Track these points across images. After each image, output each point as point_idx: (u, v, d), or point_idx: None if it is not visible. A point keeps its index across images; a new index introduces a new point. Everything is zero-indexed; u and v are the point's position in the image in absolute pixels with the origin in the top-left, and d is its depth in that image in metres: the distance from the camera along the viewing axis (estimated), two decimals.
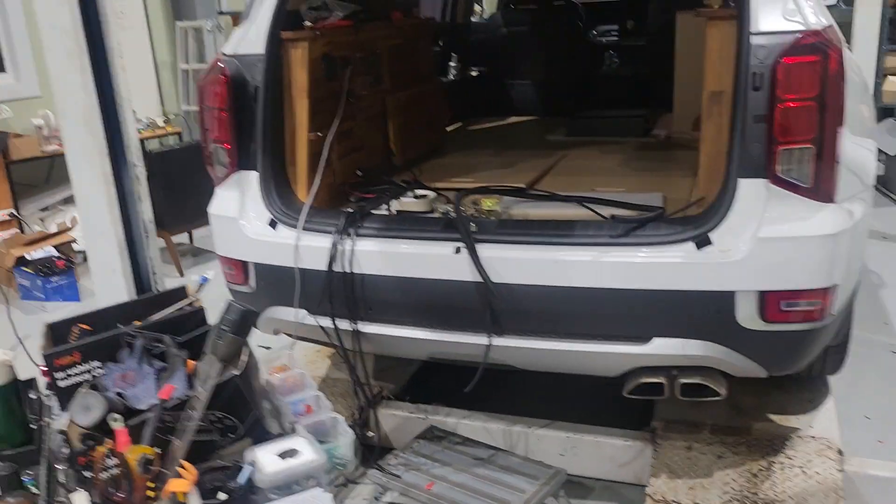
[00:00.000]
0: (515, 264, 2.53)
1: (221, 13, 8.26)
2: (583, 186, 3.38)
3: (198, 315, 1.85)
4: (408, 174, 3.61)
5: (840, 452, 2.88)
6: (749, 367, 2.51)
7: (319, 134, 3.05)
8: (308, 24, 3.05)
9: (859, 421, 3.45)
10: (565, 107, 5.60)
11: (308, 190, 3.02)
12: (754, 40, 2.33)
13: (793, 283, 2.36)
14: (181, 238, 6.52)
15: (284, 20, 2.98)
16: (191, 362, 1.63)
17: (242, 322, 1.64)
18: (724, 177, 2.43)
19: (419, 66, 4.10)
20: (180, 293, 2.02)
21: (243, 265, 2.98)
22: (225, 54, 3.00)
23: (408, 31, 3.93)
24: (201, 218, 6.12)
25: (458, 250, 2.58)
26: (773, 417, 3.11)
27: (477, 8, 6.17)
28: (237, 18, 8.66)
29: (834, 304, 2.43)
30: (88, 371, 2.01)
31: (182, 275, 6.07)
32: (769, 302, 2.37)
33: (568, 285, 2.48)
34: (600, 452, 3.02)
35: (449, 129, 5.05)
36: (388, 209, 2.94)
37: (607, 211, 2.87)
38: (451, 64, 5.43)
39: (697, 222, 2.42)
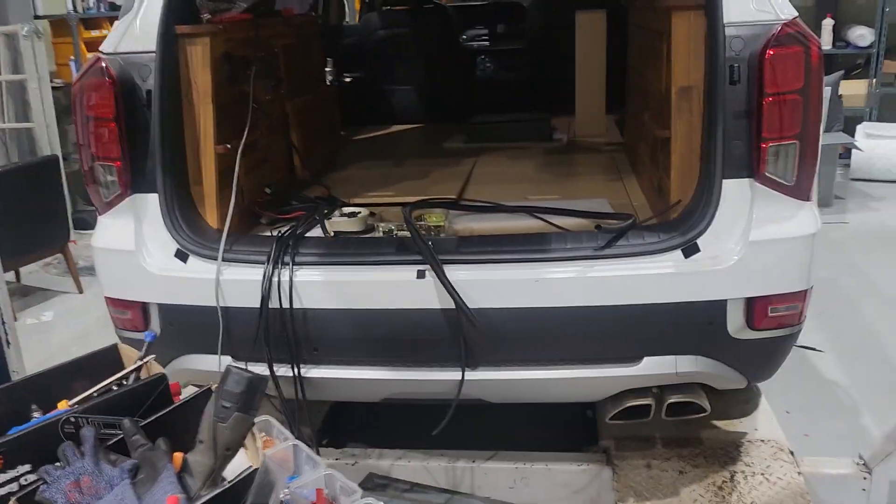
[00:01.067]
0: (490, 286, 2.23)
1: (38, 17, 7.27)
2: (514, 195, 3.14)
3: (158, 385, 1.36)
4: (319, 189, 3.20)
5: (791, 453, 2.84)
6: (734, 378, 2.38)
7: (229, 146, 2.59)
8: (206, 16, 2.58)
9: (781, 416, 3.48)
10: (449, 113, 5.38)
11: (219, 212, 2.55)
12: (729, 31, 2.19)
13: (780, 287, 2.25)
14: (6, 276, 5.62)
15: (177, 12, 2.49)
16: (177, 456, 1.18)
17: (249, 393, 1.20)
18: (702, 177, 2.29)
19: (313, 68, 3.70)
20: (109, 355, 1.51)
21: (143, 308, 2.46)
22: (105, 52, 2.46)
23: (300, 29, 3.51)
24: (29, 252, 5.26)
25: (421, 274, 2.24)
26: (718, 423, 3.02)
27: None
28: (69, 23, 7.69)
29: (807, 307, 2.35)
30: (15, 480, 1.32)
31: (15, 320, 5.20)
32: (757, 309, 2.24)
33: (551, 306, 2.22)
34: (553, 480, 2.78)
35: None
36: (325, 231, 2.53)
37: (561, 221, 2.66)
38: (327, 69, 5.02)
39: (682, 228, 2.25)
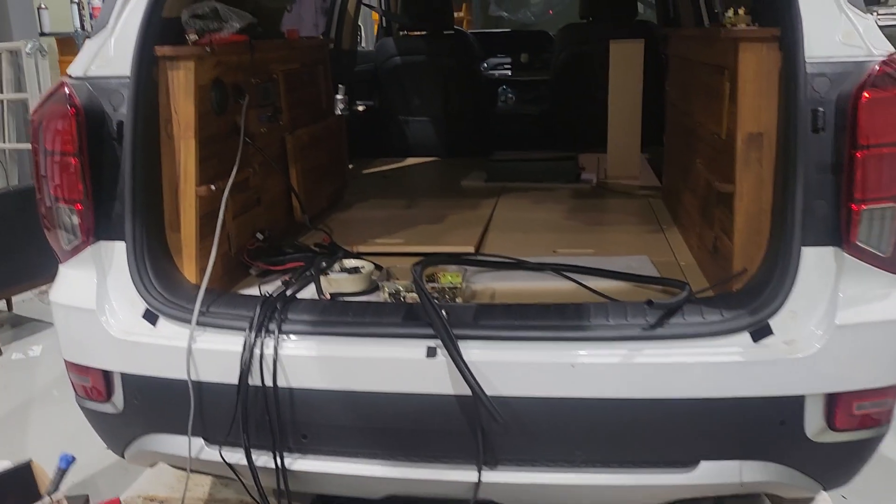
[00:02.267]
0: (515, 370, 1.84)
1: (44, 34, 7.00)
2: (540, 247, 2.76)
3: None
4: (318, 235, 2.83)
5: None
6: (808, 486, 1.96)
7: (213, 187, 2.22)
8: (192, 37, 2.23)
9: (838, 501, 3.06)
10: (467, 147, 5.03)
11: (198, 265, 2.18)
12: (811, 69, 1.82)
13: (869, 381, 1.85)
14: None
15: (158, 31, 2.14)
16: None
17: None
18: (774, 243, 1.89)
19: (319, 97, 3.35)
20: (21, 476, 1.14)
21: (105, 376, 2.08)
22: (73, 76, 2.11)
23: (305, 53, 3.16)
24: (22, 280, 4.89)
25: (432, 352, 1.85)
26: None
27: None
28: (76, 41, 7.46)
29: None
30: None
31: (0, 353, 4.87)
32: (841, 406, 1.84)
33: (589, 397, 1.82)
34: None
35: None
36: (320, 292, 2.15)
37: (595, 283, 2.27)
38: (339, 97, 4.67)
39: (750, 305, 1.85)
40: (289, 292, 2.09)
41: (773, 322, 1.82)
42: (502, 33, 6.49)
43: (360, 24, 5.84)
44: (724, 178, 2.09)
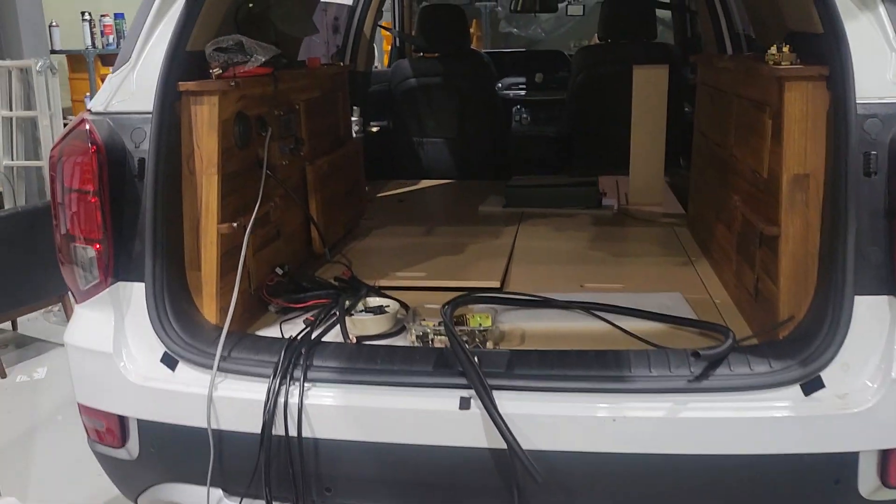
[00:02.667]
0: (552, 423, 1.76)
1: (55, 52, 6.97)
2: (566, 281, 2.69)
3: None
4: (337, 266, 2.75)
5: None
6: None
7: (234, 225, 2.15)
8: (216, 71, 2.16)
9: None
10: (483, 168, 4.96)
11: (219, 304, 2.11)
12: (861, 109, 1.74)
13: None
14: (2, 325, 5.25)
15: (182, 65, 2.08)
16: None
17: None
18: (823, 290, 1.81)
19: (338, 123, 3.28)
20: None
21: (120, 422, 2.01)
22: (93, 112, 2.05)
23: (326, 80, 3.10)
24: (29, 300, 4.82)
25: (465, 404, 1.77)
26: None
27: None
28: (87, 59, 7.41)
29: None
30: None
31: (4, 375, 4.80)
32: (894, 462, 1.75)
33: (631, 452, 1.74)
34: None
35: None
36: (345, 336, 2.07)
37: (628, 324, 2.19)
38: (353, 119, 4.62)
39: (800, 356, 1.76)
40: (314, 335, 2.01)
41: (825, 374, 1.74)
42: (516, 53, 6.44)
43: (373, 45, 5.81)
44: (767, 220, 2.01)
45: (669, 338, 2.13)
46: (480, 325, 2.10)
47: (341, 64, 3.25)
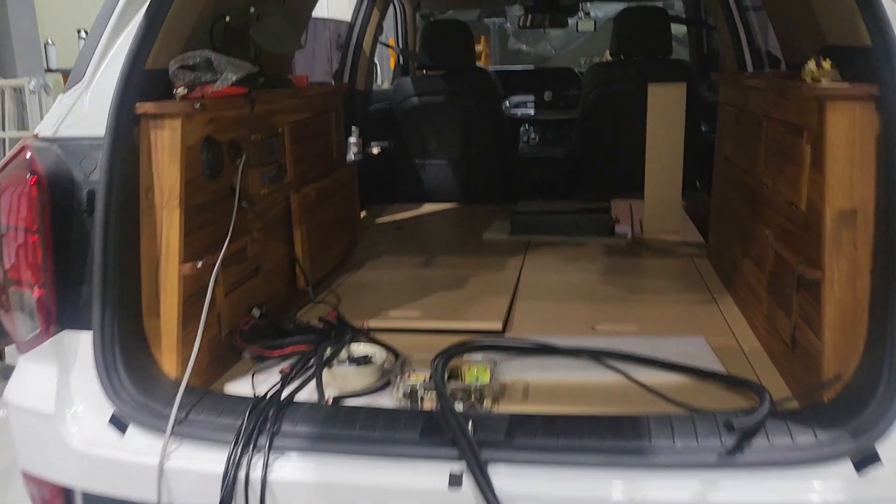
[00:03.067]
0: None
1: (50, 70, 6.81)
2: (575, 322, 2.43)
3: None
4: (322, 307, 2.50)
5: None
6: None
7: (199, 264, 1.90)
8: (181, 91, 1.93)
9: None
10: (489, 192, 4.71)
11: (180, 356, 1.85)
12: None
13: None
14: None
15: (141, 85, 1.85)
16: None
17: None
18: (876, 343, 1.55)
19: (331, 147, 3.04)
20: None
21: (64, 494, 1.75)
22: (41, 137, 1.82)
23: (316, 101, 2.86)
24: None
25: (455, 481, 1.50)
26: None
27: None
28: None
29: None
30: None
31: None
32: None
33: None
34: None
35: None
36: (321, 394, 1.81)
37: (646, 376, 1.92)
38: (352, 140, 4.37)
39: (850, 424, 1.49)
40: (284, 394, 1.76)
41: (882, 447, 1.46)
42: (524, 70, 6.20)
43: (375, 61, 5.60)
44: (807, 260, 1.74)
45: (693, 393, 1.86)
46: (477, 379, 1.84)
47: (333, 83, 3.00)
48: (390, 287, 2.84)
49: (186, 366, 1.81)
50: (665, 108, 3.42)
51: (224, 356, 2.10)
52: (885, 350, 1.51)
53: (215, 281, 1.93)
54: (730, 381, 1.86)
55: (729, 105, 2.74)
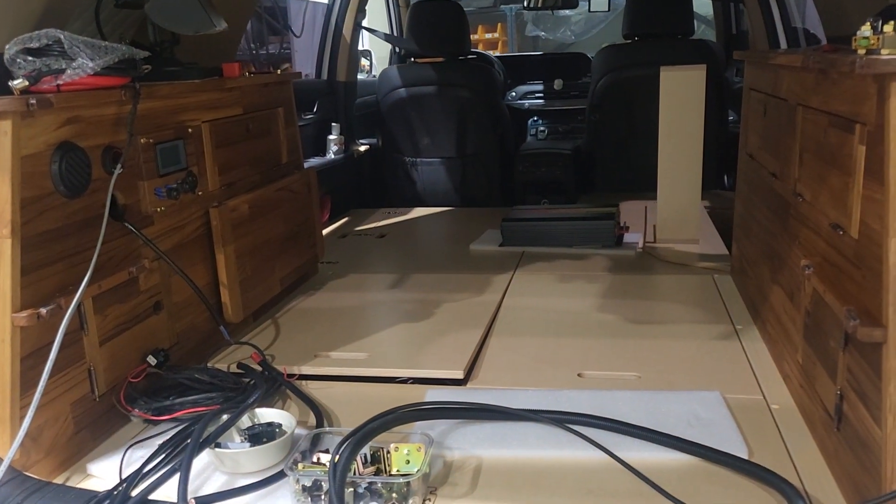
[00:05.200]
0: None
1: None
2: (560, 366, 1.94)
3: None
4: (248, 348, 2.03)
5: None
6: None
7: (44, 311, 1.45)
8: (19, 84, 1.47)
9: None
10: (489, 193, 4.22)
11: (12, 432, 1.40)
12: None
13: None
14: None
15: None
16: None
17: None
18: None
19: (276, 149, 2.57)
20: None
21: None
22: None
23: (252, 94, 2.39)
24: None
25: None
26: None
27: (364, 62, 4.71)
28: None
29: None
30: None
31: None
32: None
33: None
34: None
35: (326, 230, 3.53)
36: (183, 496, 1.34)
37: (639, 454, 1.43)
38: (331, 137, 3.92)
39: None
40: (136, 492, 1.29)
41: None
42: (534, 57, 5.66)
43: (369, 49, 5.11)
44: (860, 310, 1.22)
45: (700, 484, 1.36)
46: (405, 467, 1.36)
47: (279, 72, 2.53)
48: (344, 316, 2.37)
49: (36, 444, 1.36)
50: (681, 95, 2.88)
51: (105, 420, 1.65)
52: None
53: (83, 324, 1.48)
54: (753, 474, 1.35)
55: (755, 91, 2.21)
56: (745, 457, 1.43)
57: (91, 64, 1.51)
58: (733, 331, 2.12)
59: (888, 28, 1.20)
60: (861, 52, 1.23)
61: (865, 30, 1.24)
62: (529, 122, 4.93)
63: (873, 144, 1.20)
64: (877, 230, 1.18)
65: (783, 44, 3.42)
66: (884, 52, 1.20)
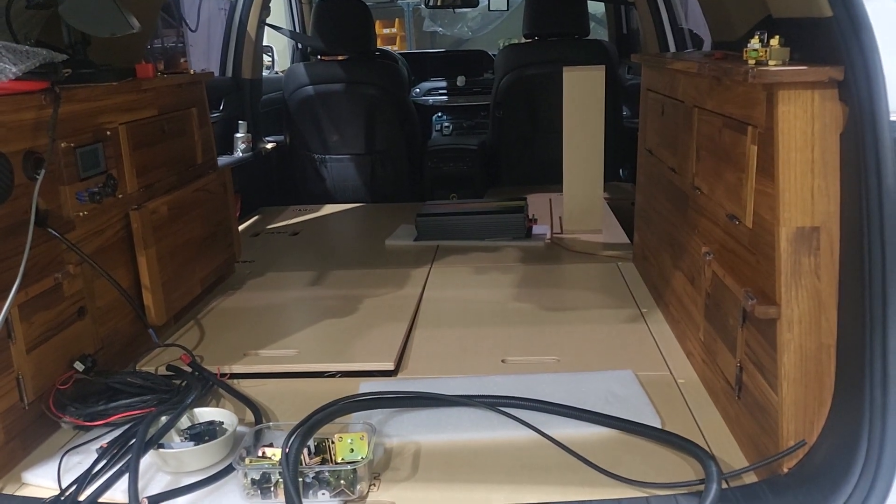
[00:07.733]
0: None
1: None
2: (484, 354, 2.05)
3: None
4: (175, 350, 2.04)
5: None
6: None
7: None
8: None
9: None
10: (398, 189, 4.29)
11: None
12: None
13: None
14: None
15: None
16: None
17: None
18: (848, 401, 1.20)
19: (193, 150, 2.55)
20: None
21: None
22: None
23: (167, 94, 2.37)
24: None
25: None
26: None
27: (267, 59, 4.67)
28: None
29: None
30: None
31: None
32: None
33: None
34: None
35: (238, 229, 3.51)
36: (134, 496, 1.35)
37: (564, 430, 1.55)
38: (239, 135, 3.89)
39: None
40: (84, 496, 1.30)
41: None
42: (436, 54, 5.76)
43: (271, 45, 5.07)
44: (756, 291, 1.38)
45: (621, 454, 1.50)
46: (350, 456, 1.43)
47: (193, 72, 2.51)
48: (268, 315, 2.40)
49: None
50: (582, 93, 3.05)
51: (35, 429, 1.63)
52: (862, 410, 1.17)
53: (9, 334, 1.46)
54: (668, 441, 1.50)
55: (652, 92, 2.39)
56: (659, 426, 1.58)
57: (14, 69, 1.49)
58: (639, 314, 2.29)
59: (774, 42, 1.36)
60: (751, 62, 1.39)
61: (755, 42, 1.40)
62: (434, 118, 5.03)
63: (764, 145, 1.36)
64: (769, 220, 1.34)
65: (671, 44, 3.66)
66: (771, 63, 1.36)
